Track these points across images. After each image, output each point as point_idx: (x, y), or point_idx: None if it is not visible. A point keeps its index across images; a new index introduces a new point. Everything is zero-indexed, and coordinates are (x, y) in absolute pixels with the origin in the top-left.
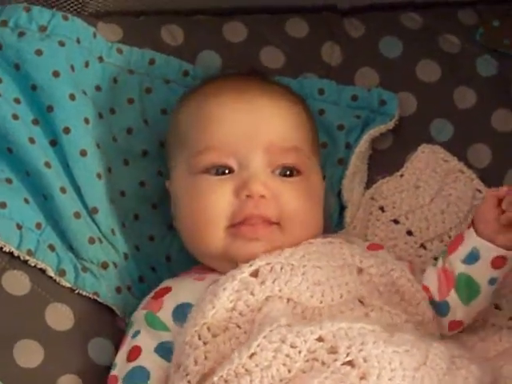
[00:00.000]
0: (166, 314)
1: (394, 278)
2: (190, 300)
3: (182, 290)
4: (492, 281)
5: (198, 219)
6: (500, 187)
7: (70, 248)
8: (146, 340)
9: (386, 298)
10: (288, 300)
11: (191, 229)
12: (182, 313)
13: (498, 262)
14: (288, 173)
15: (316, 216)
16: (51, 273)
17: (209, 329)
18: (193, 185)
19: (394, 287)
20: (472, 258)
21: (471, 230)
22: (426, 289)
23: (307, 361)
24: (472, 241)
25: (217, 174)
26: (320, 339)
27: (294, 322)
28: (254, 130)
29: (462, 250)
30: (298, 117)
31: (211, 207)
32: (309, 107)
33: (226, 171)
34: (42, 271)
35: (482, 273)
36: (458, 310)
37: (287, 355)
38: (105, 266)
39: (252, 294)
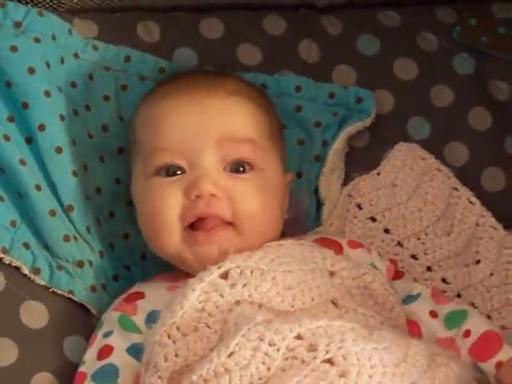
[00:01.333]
0: (140, 318)
1: (366, 282)
2: (162, 308)
3: (155, 297)
4: None
5: (152, 222)
6: None
7: (45, 246)
8: (118, 340)
9: (359, 300)
10: (260, 306)
11: (148, 232)
12: (154, 318)
13: None
14: (241, 169)
15: (273, 213)
16: (26, 271)
17: (178, 328)
18: (146, 188)
19: (367, 291)
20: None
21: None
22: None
23: (286, 359)
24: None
25: (168, 175)
26: (299, 337)
27: (271, 318)
28: (203, 128)
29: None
30: (251, 110)
31: (162, 209)
32: (268, 99)
33: (178, 172)
34: (17, 269)
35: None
36: None
37: (266, 353)
38: (80, 264)
39: (221, 295)
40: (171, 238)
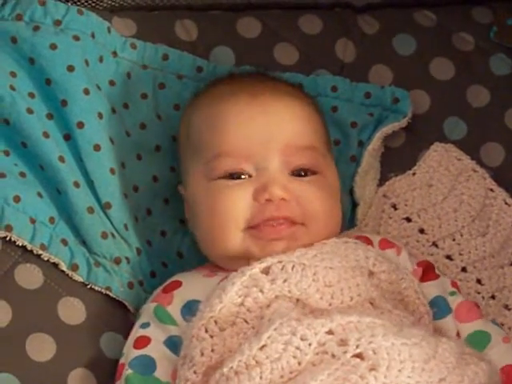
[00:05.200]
0: (175, 309)
1: (401, 288)
2: (199, 297)
3: (192, 286)
4: None
5: (216, 221)
6: None
7: (83, 243)
8: (155, 332)
9: (392, 304)
10: (297, 300)
11: (209, 231)
12: (190, 310)
13: None
14: (303, 173)
15: (337, 213)
16: (64, 267)
17: (216, 323)
18: (211, 189)
19: (400, 296)
20: None
21: None
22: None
23: (317, 353)
24: None
25: (233, 178)
26: (330, 332)
27: (303, 317)
28: (268, 133)
29: None
30: (311, 116)
31: (230, 209)
32: (319, 106)
33: (242, 176)
34: (55, 265)
35: None
36: None
37: (297, 347)
38: (117, 261)
39: (261, 291)
40: (235, 236)
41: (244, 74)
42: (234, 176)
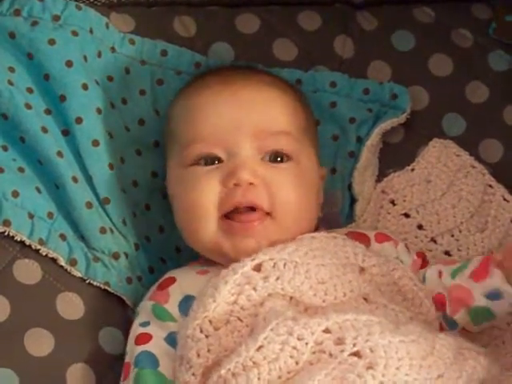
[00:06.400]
0: (172, 306)
1: (395, 278)
2: (194, 293)
3: (186, 281)
4: (511, 312)
5: (189, 212)
6: None
7: (82, 238)
8: (155, 330)
9: (388, 297)
10: (290, 298)
11: (185, 222)
12: (187, 305)
13: None
14: (279, 159)
15: (309, 204)
16: (62, 262)
17: (210, 322)
18: (183, 178)
19: (396, 287)
20: (495, 296)
21: (498, 272)
22: (440, 298)
23: (314, 353)
24: (497, 282)
25: (206, 164)
26: (327, 331)
27: (299, 316)
28: (240, 118)
29: (486, 285)
30: (286, 103)
31: (199, 198)
32: (302, 94)
33: (216, 162)
34: (54, 260)
35: (501, 308)
36: (467, 326)
37: (294, 347)
38: (116, 256)
39: (254, 289)
40: (208, 227)
41: (222, 67)
42: (206, 161)
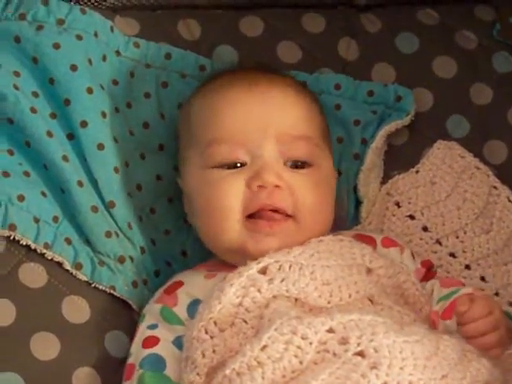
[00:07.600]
0: (181, 309)
1: (400, 281)
2: (202, 296)
3: (194, 285)
4: None
5: (212, 212)
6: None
7: (87, 242)
8: (163, 332)
9: (393, 299)
10: (296, 300)
11: (206, 223)
12: (194, 309)
13: None
14: (299, 164)
15: (329, 208)
16: (68, 266)
17: (215, 323)
18: (206, 179)
19: (400, 290)
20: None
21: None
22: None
23: (318, 352)
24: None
25: (229, 168)
26: (331, 330)
27: (303, 315)
28: (264, 120)
29: (447, 324)
30: (308, 107)
31: (224, 199)
32: (318, 100)
33: (238, 164)
34: (59, 264)
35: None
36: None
37: (298, 347)
38: (122, 260)
39: (259, 291)
40: (233, 228)
41: (241, 68)
42: (230, 167)
